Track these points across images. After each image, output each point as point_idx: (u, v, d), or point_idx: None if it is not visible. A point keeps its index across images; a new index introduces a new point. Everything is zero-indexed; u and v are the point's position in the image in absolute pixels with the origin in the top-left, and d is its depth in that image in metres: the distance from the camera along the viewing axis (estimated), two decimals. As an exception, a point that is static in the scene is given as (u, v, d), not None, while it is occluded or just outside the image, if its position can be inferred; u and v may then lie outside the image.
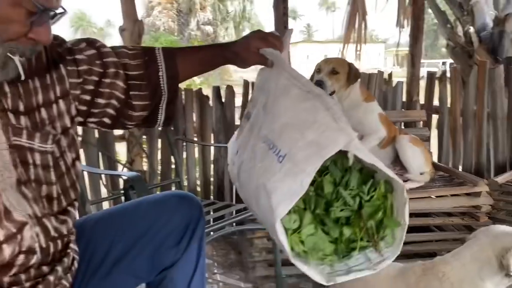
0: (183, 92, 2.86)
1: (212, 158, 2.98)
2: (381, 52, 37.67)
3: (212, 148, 2.99)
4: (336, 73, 2.01)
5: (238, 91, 3.04)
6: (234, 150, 1.12)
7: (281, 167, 0.85)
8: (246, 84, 3.04)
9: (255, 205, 0.93)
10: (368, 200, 0.89)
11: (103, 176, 2.39)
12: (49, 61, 0.94)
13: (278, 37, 1.10)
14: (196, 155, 2.95)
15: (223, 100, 2.95)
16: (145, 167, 2.93)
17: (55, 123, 0.95)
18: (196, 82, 8.28)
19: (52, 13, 0.83)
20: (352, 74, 2.06)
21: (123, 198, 1.83)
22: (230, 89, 2.94)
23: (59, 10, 0.85)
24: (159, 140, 2.87)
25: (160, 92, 1.10)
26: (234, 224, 2.14)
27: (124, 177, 1.77)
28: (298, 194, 0.80)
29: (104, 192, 2.63)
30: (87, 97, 1.03)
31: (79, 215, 2.42)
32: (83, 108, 1.03)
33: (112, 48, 1.08)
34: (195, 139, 2.93)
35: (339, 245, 0.88)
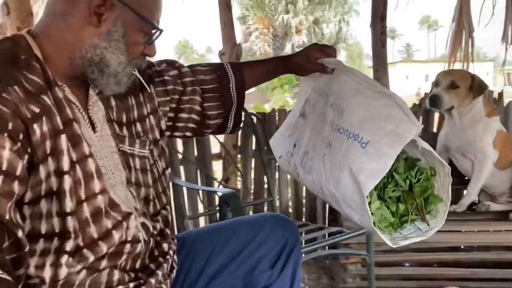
0: (276, 113, 2.90)
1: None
2: (489, 71, 34.93)
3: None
4: (456, 87, 1.88)
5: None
6: (290, 144, 1.30)
7: (365, 151, 1.04)
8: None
9: (333, 186, 1.11)
10: (416, 182, 1.09)
11: (200, 192, 2.49)
12: (141, 82, 1.07)
13: (332, 47, 1.26)
14: (289, 175, 2.95)
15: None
16: (239, 185, 2.99)
17: (148, 135, 1.07)
18: (289, 103, 8.37)
19: (159, 32, 0.97)
20: (476, 86, 1.90)
21: (218, 214, 1.88)
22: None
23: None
24: (253, 160, 2.92)
25: (230, 101, 1.23)
26: (326, 247, 2.08)
27: (220, 194, 1.83)
28: (383, 172, 1.01)
29: (201, 208, 2.74)
30: (172, 114, 1.16)
31: (177, 230, 2.57)
32: (170, 123, 1.17)
33: (189, 67, 1.22)
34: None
35: (396, 217, 1.09)
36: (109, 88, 0.94)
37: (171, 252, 1.08)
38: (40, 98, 0.82)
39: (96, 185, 0.89)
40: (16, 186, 0.77)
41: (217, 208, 1.94)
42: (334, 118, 1.16)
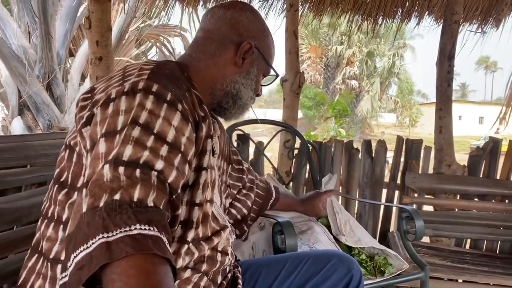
0: (333, 143, 2.87)
1: (355, 212, 2.89)
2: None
3: (356, 202, 2.90)
4: None
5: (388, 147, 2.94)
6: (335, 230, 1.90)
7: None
8: (399, 140, 2.92)
9: (362, 236, 1.89)
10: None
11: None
12: None
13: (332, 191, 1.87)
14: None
15: (373, 154, 2.87)
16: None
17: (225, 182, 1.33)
18: (342, 133, 8.29)
19: (277, 77, 1.24)
20: None
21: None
22: (381, 144, 2.85)
23: None
24: (305, 188, 2.89)
25: (263, 211, 1.56)
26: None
27: (274, 221, 1.82)
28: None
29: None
30: (234, 191, 1.41)
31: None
32: (229, 200, 1.40)
33: (248, 170, 1.50)
34: (340, 190, 2.89)
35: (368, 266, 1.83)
36: (234, 117, 1.16)
37: (240, 275, 1.13)
38: (201, 107, 0.95)
39: (209, 194, 0.98)
40: (187, 168, 0.84)
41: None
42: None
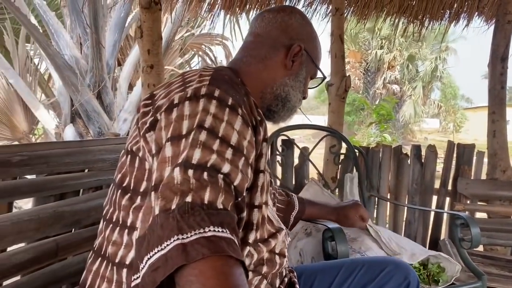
0: (380, 149, 2.81)
1: (404, 219, 2.82)
2: None
3: (405, 209, 2.83)
4: None
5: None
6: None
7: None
8: (450, 145, 2.83)
9: (412, 249, 1.78)
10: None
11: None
12: None
13: (367, 214, 1.68)
14: (388, 214, 2.83)
15: (423, 160, 2.80)
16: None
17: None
18: (387, 139, 8.11)
19: (324, 79, 1.24)
20: None
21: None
22: (432, 149, 2.77)
23: None
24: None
25: (286, 226, 1.37)
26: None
27: (325, 227, 1.80)
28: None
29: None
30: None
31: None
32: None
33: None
34: (388, 197, 2.83)
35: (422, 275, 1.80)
36: (283, 119, 1.16)
37: (296, 280, 1.12)
38: (257, 111, 0.96)
39: (265, 196, 0.98)
40: (249, 171, 0.84)
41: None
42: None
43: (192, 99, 0.82)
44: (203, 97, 0.82)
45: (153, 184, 0.74)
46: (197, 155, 0.74)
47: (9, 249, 1.28)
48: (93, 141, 1.92)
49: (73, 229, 1.54)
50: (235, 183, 0.77)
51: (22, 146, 1.42)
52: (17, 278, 1.29)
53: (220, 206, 0.70)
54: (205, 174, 0.72)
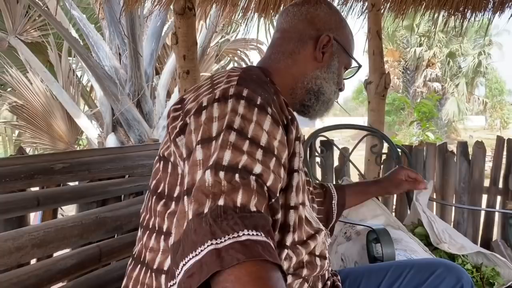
0: (424, 147, 2.71)
1: (452, 219, 2.69)
2: None
3: (453, 209, 2.70)
4: None
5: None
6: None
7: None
8: (500, 141, 2.68)
9: (465, 243, 1.76)
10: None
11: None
12: None
13: (415, 172, 1.53)
14: (435, 215, 2.71)
15: (470, 157, 2.67)
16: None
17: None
18: (431, 137, 7.85)
19: (359, 68, 1.17)
20: None
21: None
22: (480, 146, 2.64)
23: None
24: (395, 195, 2.75)
25: (331, 216, 1.37)
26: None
27: (368, 229, 1.74)
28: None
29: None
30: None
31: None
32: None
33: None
34: (434, 197, 2.71)
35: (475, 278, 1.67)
36: (319, 114, 1.10)
37: (340, 284, 1.08)
38: (287, 110, 0.93)
39: (301, 196, 0.95)
40: (282, 172, 0.82)
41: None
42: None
43: (220, 101, 0.81)
44: (232, 97, 0.81)
45: (185, 188, 0.73)
46: (227, 157, 0.73)
47: (54, 255, 1.30)
48: (132, 147, 1.94)
49: (115, 235, 1.56)
50: (268, 184, 0.75)
51: (64, 154, 1.45)
52: (63, 283, 1.31)
53: (253, 208, 0.68)
54: (237, 175, 0.71)
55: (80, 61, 5.55)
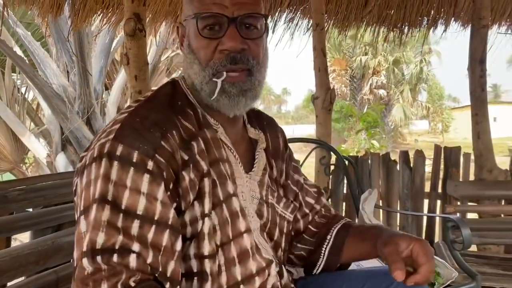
0: (369, 157, 2.87)
1: (398, 224, 2.86)
2: None
3: (398, 215, 2.88)
4: None
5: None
6: None
7: None
8: (437, 148, 2.90)
9: None
10: None
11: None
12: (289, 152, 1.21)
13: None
14: (381, 221, 2.87)
15: (411, 165, 2.86)
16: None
17: (291, 200, 1.11)
18: (376, 146, 8.20)
19: (206, 15, 0.89)
20: None
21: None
22: (420, 154, 2.84)
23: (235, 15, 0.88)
24: (344, 204, 2.89)
25: (317, 256, 1.09)
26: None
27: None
28: None
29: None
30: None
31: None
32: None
33: (317, 200, 1.18)
34: (380, 204, 2.87)
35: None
36: (229, 99, 0.89)
37: None
38: (190, 145, 0.86)
39: (241, 224, 0.90)
40: (167, 235, 0.79)
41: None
42: None
43: (96, 160, 0.80)
44: (105, 156, 0.79)
45: (74, 265, 0.77)
46: (100, 240, 0.75)
47: (9, 284, 1.29)
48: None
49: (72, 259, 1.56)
50: (148, 261, 0.77)
51: (18, 181, 1.44)
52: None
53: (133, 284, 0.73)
54: (115, 256, 0.74)
55: (25, 78, 5.38)
